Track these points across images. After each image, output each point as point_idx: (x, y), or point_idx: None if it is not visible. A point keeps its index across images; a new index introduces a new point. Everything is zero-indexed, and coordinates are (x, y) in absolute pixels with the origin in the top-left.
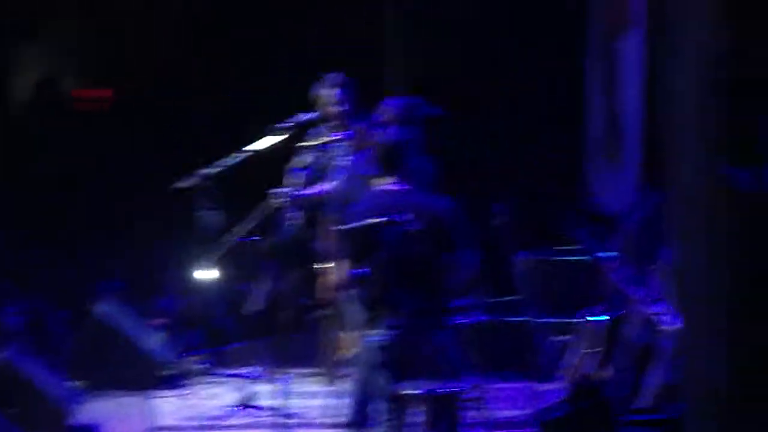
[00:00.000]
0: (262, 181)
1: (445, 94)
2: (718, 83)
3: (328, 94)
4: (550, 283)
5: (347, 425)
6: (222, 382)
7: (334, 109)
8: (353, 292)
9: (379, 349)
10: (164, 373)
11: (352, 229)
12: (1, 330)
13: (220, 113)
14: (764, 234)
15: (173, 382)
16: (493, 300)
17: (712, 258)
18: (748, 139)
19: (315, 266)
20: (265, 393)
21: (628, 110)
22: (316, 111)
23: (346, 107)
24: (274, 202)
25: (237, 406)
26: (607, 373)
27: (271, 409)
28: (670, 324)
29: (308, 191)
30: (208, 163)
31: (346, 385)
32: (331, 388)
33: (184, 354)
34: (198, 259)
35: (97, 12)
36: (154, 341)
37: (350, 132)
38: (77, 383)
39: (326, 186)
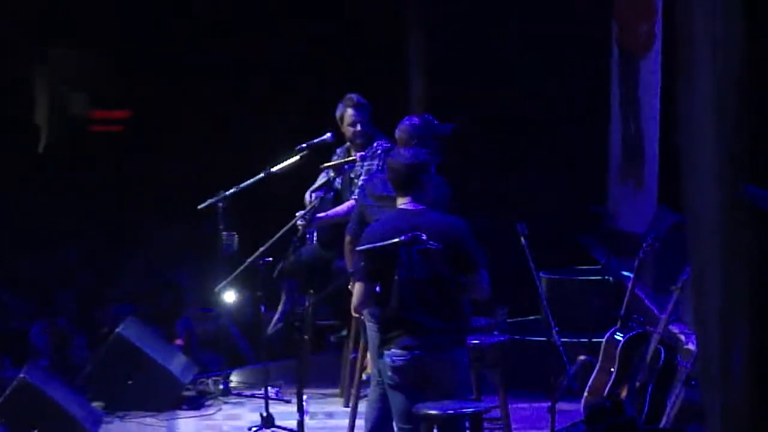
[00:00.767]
0: (284, 201)
1: (470, 114)
2: (737, 101)
3: (349, 114)
4: (572, 303)
5: None
6: (241, 403)
7: (355, 129)
8: (372, 311)
9: (395, 369)
10: (184, 393)
11: (371, 248)
12: (24, 349)
13: (242, 133)
14: None
15: (193, 402)
16: (514, 319)
17: (730, 278)
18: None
19: (336, 285)
20: (283, 413)
21: (647, 131)
22: (338, 131)
23: (367, 127)
24: (296, 222)
25: (256, 427)
26: (627, 392)
27: (290, 429)
28: (689, 343)
29: (329, 211)
30: (229, 184)
31: (365, 406)
32: (349, 409)
33: (203, 375)
34: (217, 280)
35: (114, 32)
36: (174, 362)
37: (368, 152)
38: (98, 404)
39: (347, 206)
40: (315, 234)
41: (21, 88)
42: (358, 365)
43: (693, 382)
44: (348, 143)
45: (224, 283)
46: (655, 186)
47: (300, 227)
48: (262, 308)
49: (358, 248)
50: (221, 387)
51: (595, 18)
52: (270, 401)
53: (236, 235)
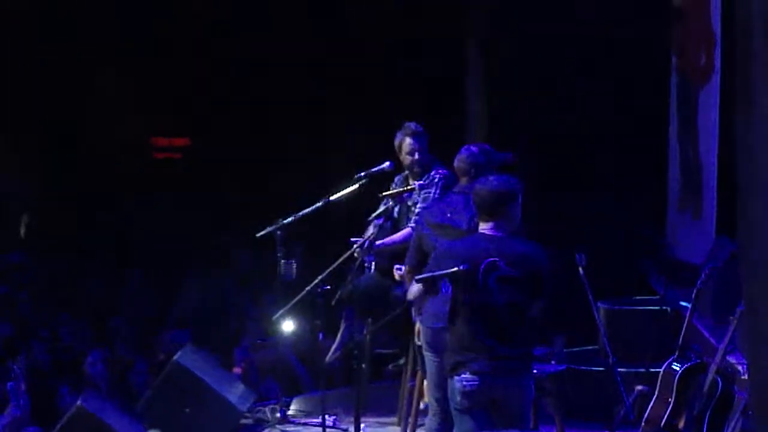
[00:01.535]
0: (344, 229)
1: (528, 143)
2: None
3: (407, 142)
4: (630, 333)
5: None
6: None
7: (413, 158)
8: (430, 342)
9: (465, 393)
10: (242, 422)
11: (429, 277)
12: (82, 377)
13: (303, 161)
14: None
15: (250, 431)
16: (572, 349)
17: None
18: None
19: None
20: None
21: (705, 160)
22: (396, 159)
23: (425, 156)
24: (354, 250)
25: None
26: (685, 423)
27: None
28: (747, 374)
29: (387, 239)
30: (289, 212)
31: None
32: None
33: (261, 403)
34: (276, 309)
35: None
36: (232, 390)
37: (426, 180)
38: (156, 431)
39: (404, 233)
40: (373, 262)
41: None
42: (416, 394)
43: (750, 412)
44: (406, 171)
45: (282, 310)
46: (713, 216)
47: (358, 255)
48: (320, 336)
49: (418, 277)
50: (278, 415)
51: (656, 44)
52: (327, 429)
53: (295, 263)
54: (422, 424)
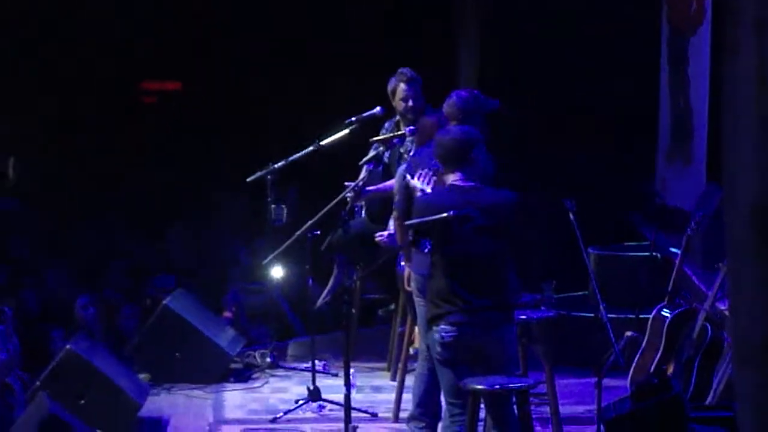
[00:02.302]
0: (335, 175)
1: (519, 91)
2: None
3: (401, 88)
4: (620, 279)
5: (411, 419)
6: (288, 376)
7: (407, 104)
8: (420, 287)
9: (444, 345)
10: (231, 366)
11: (420, 224)
12: (72, 321)
13: (293, 107)
14: None
15: (240, 375)
16: (561, 295)
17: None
18: None
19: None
20: (330, 387)
21: (696, 109)
22: (389, 105)
23: (418, 102)
24: (345, 195)
25: (303, 400)
26: (674, 369)
27: (337, 403)
28: None
29: (378, 185)
30: (279, 157)
31: (412, 380)
32: (396, 383)
33: (250, 348)
34: (266, 253)
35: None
36: (221, 335)
37: (417, 126)
38: (145, 375)
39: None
40: (364, 207)
41: None
42: (406, 339)
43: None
44: (397, 117)
45: (272, 256)
46: (703, 163)
47: (349, 200)
48: (310, 281)
49: (407, 222)
50: (268, 360)
51: None
52: (317, 374)
53: (285, 208)
54: (412, 370)
